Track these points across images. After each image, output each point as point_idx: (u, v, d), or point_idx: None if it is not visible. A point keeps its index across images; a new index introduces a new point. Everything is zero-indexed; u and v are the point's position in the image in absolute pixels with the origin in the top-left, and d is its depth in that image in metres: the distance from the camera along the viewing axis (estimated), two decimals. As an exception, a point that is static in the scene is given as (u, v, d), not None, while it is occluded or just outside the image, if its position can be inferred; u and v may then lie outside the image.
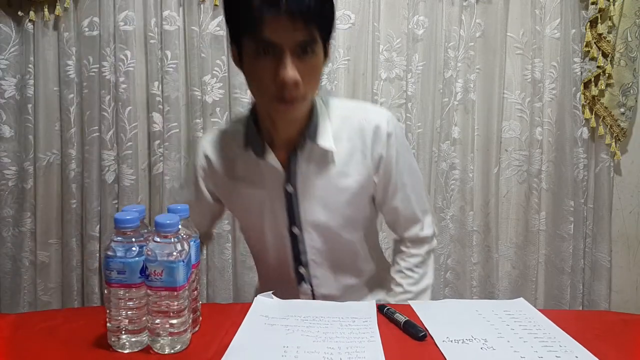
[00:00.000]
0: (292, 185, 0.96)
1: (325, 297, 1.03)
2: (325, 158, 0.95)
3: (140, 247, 0.70)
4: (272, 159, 0.94)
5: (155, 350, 0.70)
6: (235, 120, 1.04)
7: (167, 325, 0.69)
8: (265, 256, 1.05)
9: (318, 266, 1.02)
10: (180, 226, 0.72)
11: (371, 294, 1.09)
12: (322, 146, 0.94)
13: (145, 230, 0.74)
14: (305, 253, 1.01)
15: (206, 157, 1.01)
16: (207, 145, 1.01)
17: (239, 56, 0.88)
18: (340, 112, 0.98)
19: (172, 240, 0.69)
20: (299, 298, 1.03)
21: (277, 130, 0.93)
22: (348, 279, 1.06)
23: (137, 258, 0.69)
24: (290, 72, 0.81)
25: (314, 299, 1.04)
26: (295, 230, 0.99)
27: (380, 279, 1.10)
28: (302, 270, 1.03)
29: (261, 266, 1.11)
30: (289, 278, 1.04)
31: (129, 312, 0.71)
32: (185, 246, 0.70)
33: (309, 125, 0.93)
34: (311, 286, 1.04)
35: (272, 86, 0.83)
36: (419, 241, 1.03)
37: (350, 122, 0.96)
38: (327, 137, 0.94)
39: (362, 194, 0.98)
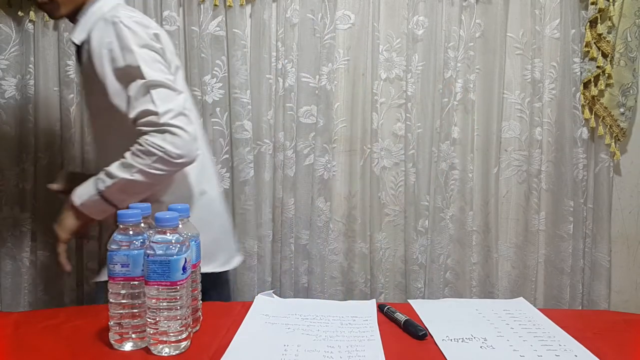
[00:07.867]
0: None
1: None
2: None
3: (143, 240, 0.71)
4: None
5: (156, 354, 0.70)
6: None
7: (166, 328, 0.69)
8: None
9: None
10: (180, 224, 0.72)
11: None
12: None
13: (149, 228, 0.74)
14: None
15: None
16: None
17: None
18: None
19: (172, 235, 0.69)
20: None
21: None
22: None
23: (140, 250, 0.70)
24: None
25: None
26: None
27: None
28: None
29: None
30: None
31: (132, 309, 0.71)
32: (184, 241, 0.70)
33: None
34: None
35: None
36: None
37: None
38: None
39: None
